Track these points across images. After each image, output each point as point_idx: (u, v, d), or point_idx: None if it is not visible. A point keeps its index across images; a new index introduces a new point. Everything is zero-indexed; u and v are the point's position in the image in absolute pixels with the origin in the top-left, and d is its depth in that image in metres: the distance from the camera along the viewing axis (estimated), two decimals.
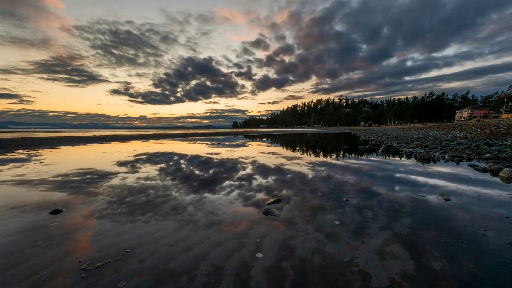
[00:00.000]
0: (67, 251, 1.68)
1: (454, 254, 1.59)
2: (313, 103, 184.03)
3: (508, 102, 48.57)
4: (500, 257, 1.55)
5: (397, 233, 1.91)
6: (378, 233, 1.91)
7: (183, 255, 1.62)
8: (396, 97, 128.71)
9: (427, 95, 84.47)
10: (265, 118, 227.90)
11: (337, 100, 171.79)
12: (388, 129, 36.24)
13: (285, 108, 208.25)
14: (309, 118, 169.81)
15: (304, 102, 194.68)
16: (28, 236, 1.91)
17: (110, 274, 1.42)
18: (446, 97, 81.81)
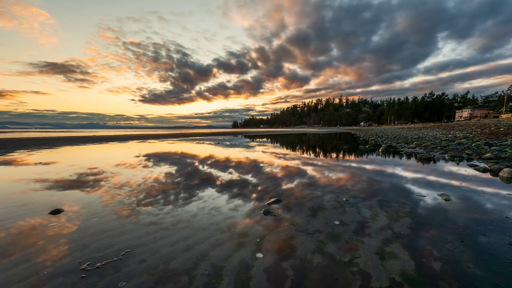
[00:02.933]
0: (67, 251, 1.68)
1: (454, 254, 1.59)
2: (313, 103, 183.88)
3: (508, 102, 48.55)
4: (500, 257, 1.55)
5: (397, 233, 1.91)
6: (378, 233, 1.91)
7: (183, 255, 1.62)
8: (396, 97, 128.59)
9: (427, 95, 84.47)
10: (265, 118, 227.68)
11: (337, 100, 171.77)
12: (388, 129, 36.24)
13: (285, 108, 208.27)
14: (309, 118, 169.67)
15: (304, 102, 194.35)
16: (28, 236, 1.91)
17: (110, 274, 1.42)
18: (446, 97, 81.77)
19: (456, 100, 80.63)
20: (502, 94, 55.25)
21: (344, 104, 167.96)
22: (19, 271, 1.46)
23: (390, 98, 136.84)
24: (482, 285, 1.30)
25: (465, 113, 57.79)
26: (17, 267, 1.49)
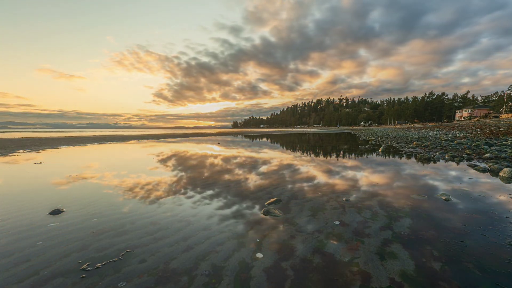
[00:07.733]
0: (67, 251, 1.68)
1: (454, 254, 1.59)
2: (313, 103, 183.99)
3: (508, 102, 48.55)
4: (500, 257, 1.55)
5: (397, 233, 1.91)
6: (378, 233, 1.91)
7: (183, 255, 1.62)
8: (396, 97, 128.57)
9: (427, 95, 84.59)
10: (264, 118, 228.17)
11: (337, 100, 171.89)
12: (388, 129, 36.23)
13: (285, 108, 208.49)
14: (309, 118, 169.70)
15: (304, 102, 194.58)
16: (28, 237, 1.91)
17: (110, 274, 1.42)
18: (446, 97, 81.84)
19: (456, 100, 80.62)
20: (502, 94, 55.25)
21: (344, 104, 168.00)
22: (19, 271, 1.46)
23: (390, 98, 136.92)
24: (482, 285, 1.30)
25: (465, 113, 57.83)
26: (17, 267, 1.49)
